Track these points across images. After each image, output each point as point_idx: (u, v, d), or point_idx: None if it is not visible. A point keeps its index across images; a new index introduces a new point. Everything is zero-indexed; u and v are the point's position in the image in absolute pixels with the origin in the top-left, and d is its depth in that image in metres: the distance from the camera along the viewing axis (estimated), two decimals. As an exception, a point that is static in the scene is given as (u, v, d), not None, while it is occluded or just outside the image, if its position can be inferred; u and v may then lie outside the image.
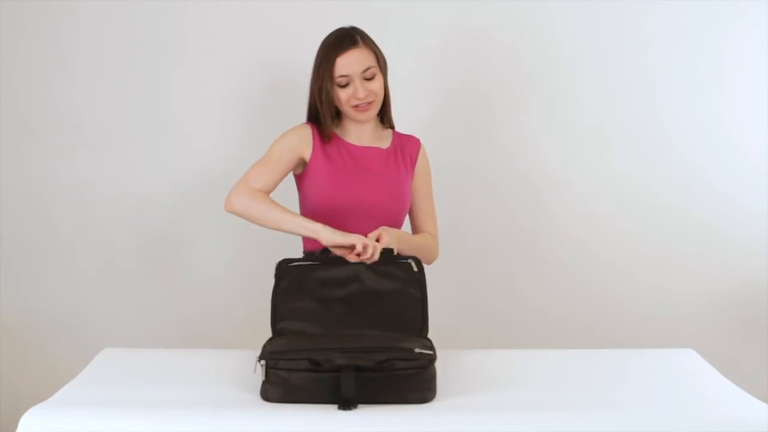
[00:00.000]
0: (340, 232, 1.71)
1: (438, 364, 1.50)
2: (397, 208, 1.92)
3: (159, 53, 2.49)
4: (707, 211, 2.57)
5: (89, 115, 2.52)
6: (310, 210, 1.91)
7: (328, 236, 1.69)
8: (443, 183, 2.46)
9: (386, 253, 1.72)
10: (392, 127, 2.01)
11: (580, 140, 2.56)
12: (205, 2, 2.47)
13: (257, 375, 1.48)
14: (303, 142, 1.89)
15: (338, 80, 1.83)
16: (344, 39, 1.85)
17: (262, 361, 1.47)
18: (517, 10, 2.49)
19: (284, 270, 1.72)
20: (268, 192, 1.84)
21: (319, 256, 1.75)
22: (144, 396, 1.46)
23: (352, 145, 1.92)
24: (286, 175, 1.90)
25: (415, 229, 2.01)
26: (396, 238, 1.79)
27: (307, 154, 1.89)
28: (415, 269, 1.71)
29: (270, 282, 1.73)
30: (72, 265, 2.56)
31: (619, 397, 1.49)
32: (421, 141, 2.03)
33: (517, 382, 1.56)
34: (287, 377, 1.45)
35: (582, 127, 2.55)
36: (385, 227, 1.79)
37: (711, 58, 2.52)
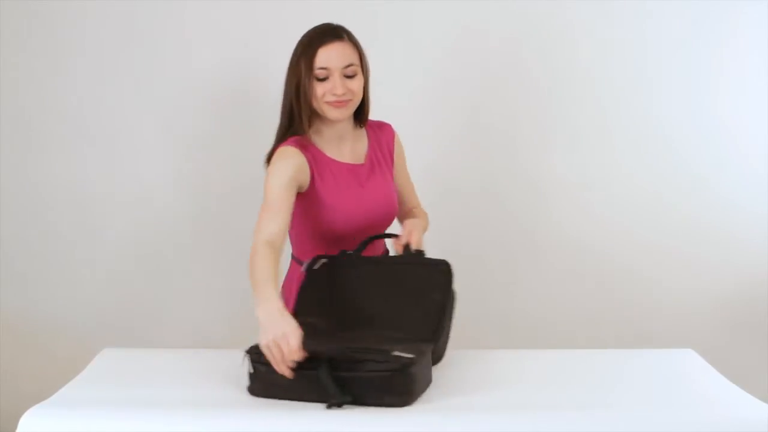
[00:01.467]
0: (273, 321, 1.46)
1: (437, 364, 1.50)
2: (392, 212, 1.90)
3: (159, 53, 2.49)
4: (707, 211, 2.57)
5: (89, 115, 2.52)
6: (310, 228, 1.84)
7: (262, 327, 1.47)
8: (444, 182, 2.47)
9: (418, 254, 1.72)
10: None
11: (580, 140, 2.56)
12: (204, 3, 2.47)
13: (257, 375, 1.48)
14: (299, 172, 1.75)
15: (317, 72, 1.72)
16: (328, 32, 1.76)
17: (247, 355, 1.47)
18: (517, 10, 2.49)
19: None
20: (284, 234, 1.69)
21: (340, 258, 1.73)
22: (144, 396, 1.46)
23: (339, 163, 1.83)
24: (292, 208, 1.73)
25: (402, 206, 1.95)
26: (422, 232, 1.80)
27: (305, 183, 1.78)
28: (444, 273, 1.66)
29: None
30: (72, 265, 2.56)
31: (618, 397, 1.49)
32: (392, 125, 1.95)
33: (517, 382, 1.56)
34: (267, 371, 1.43)
35: (582, 127, 2.56)
36: (413, 222, 1.79)
37: (711, 58, 2.52)
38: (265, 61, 2.48)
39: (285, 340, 1.41)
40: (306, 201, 1.79)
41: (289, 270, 1.93)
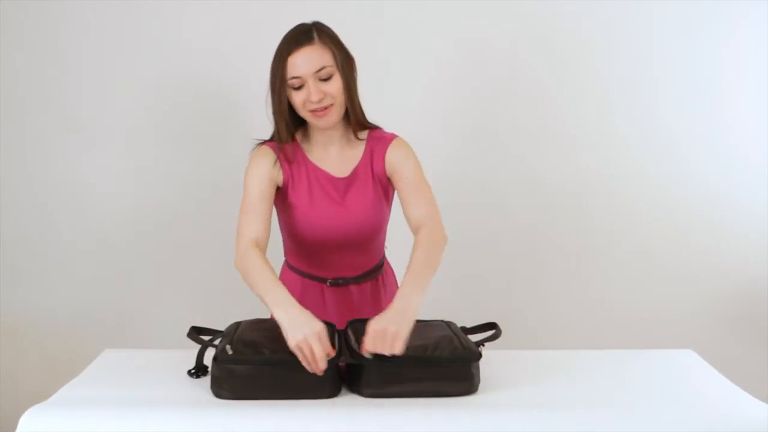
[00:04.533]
0: (299, 322, 1.43)
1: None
2: (372, 231, 1.78)
3: (159, 53, 2.50)
4: (707, 212, 2.57)
5: (89, 116, 2.52)
6: (284, 230, 1.81)
7: (284, 330, 1.43)
8: (446, 185, 2.46)
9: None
10: (367, 127, 1.77)
11: (581, 142, 2.56)
12: (203, 4, 2.46)
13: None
14: (272, 168, 1.71)
15: (290, 82, 1.63)
16: (298, 36, 1.64)
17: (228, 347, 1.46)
18: (519, 14, 2.50)
19: None
20: (266, 233, 1.66)
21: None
22: (144, 396, 1.46)
23: (320, 170, 1.74)
24: (272, 206, 1.71)
25: (411, 221, 1.73)
26: (412, 313, 1.47)
27: (279, 179, 1.73)
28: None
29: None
30: (72, 265, 2.56)
31: (619, 397, 1.49)
32: (397, 134, 1.79)
33: (517, 381, 1.56)
34: (243, 371, 1.44)
35: (583, 128, 2.56)
36: (384, 319, 1.45)
37: (711, 58, 2.53)
38: (265, 60, 2.48)
39: (316, 338, 1.40)
40: (281, 201, 1.75)
41: (280, 275, 1.87)
